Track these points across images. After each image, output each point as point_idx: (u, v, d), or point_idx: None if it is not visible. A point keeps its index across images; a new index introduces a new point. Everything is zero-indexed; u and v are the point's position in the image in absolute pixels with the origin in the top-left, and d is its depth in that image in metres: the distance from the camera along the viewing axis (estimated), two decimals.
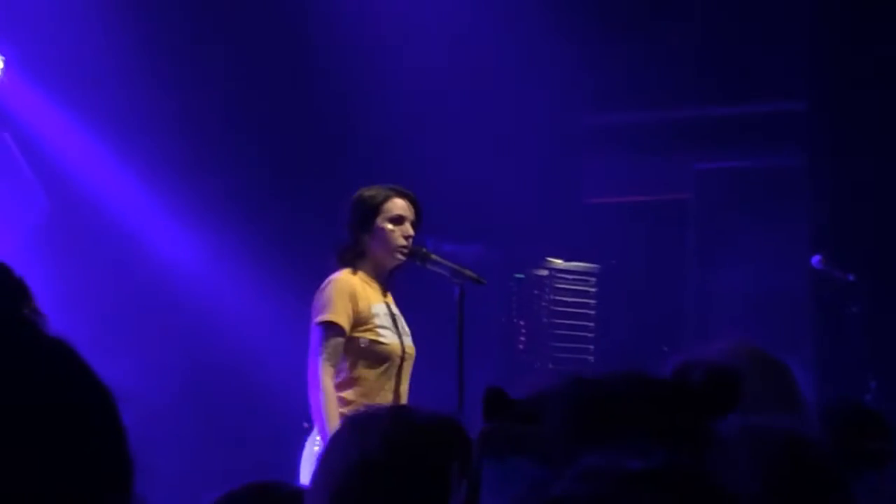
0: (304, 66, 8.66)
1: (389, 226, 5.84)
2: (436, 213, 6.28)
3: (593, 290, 8.67)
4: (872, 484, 2.36)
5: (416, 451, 2.22)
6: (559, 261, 8.65)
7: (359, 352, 5.75)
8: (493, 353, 8.30)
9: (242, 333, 8.26)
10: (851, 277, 7.27)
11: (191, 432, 8.03)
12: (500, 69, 8.66)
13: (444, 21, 8.60)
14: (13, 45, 7.89)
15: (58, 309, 2.51)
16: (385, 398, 5.69)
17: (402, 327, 5.92)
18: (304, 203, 8.28)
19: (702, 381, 1.54)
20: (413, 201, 5.92)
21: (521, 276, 8.60)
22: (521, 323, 8.56)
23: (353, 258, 5.86)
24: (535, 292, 8.59)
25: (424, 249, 5.97)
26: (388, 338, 5.82)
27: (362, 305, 5.76)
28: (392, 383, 5.81)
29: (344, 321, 5.71)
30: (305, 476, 5.42)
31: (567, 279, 8.64)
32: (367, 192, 5.91)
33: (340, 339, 5.71)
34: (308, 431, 5.77)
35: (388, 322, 5.85)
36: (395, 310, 5.93)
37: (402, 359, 5.85)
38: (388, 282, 5.95)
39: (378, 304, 5.83)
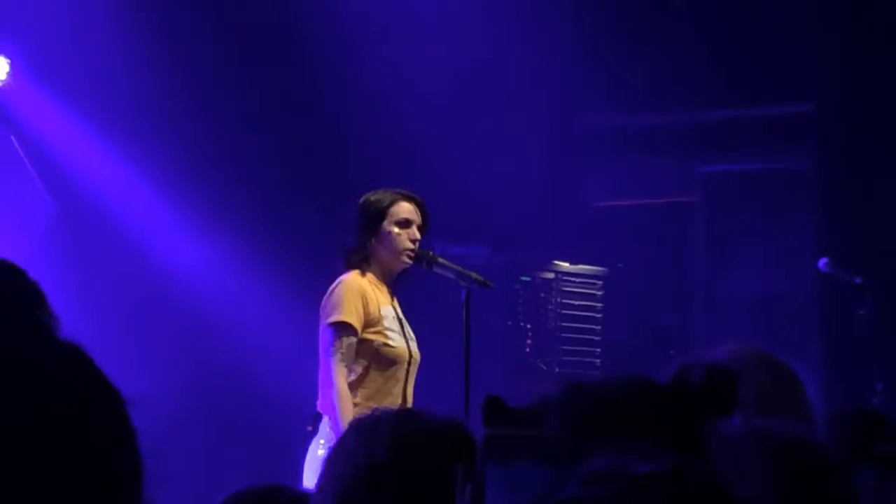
0: (311, 71, 8.66)
1: (396, 229, 5.84)
2: (442, 217, 6.28)
3: (600, 293, 8.66)
4: (880, 487, 2.35)
5: (421, 454, 2.21)
6: (566, 264, 8.65)
7: (369, 354, 5.76)
8: (500, 356, 8.29)
9: (246, 336, 8.27)
10: (858, 280, 7.26)
11: (194, 435, 8.02)
12: (508, 72, 8.66)
13: (453, 24, 8.60)
14: (19, 48, 7.91)
15: (62, 312, 2.51)
16: (391, 401, 5.69)
17: (409, 332, 5.93)
18: (312, 207, 8.28)
19: (700, 383, 1.54)
20: (420, 205, 5.93)
21: (528, 279, 8.59)
22: (528, 326, 8.55)
23: (359, 262, 5.86)
24: (542, 295, 8.58)
25: (431, 252, 5.98)
26: (396, 341, 5.83)
27: (372, 307, 5.77)
28: (399, 387, 5.82)
29: (355, 322, 5.71)
30: (308, 479, 5.42)
31: (574, 282, 8.63)
32: (374, 195, 5.92)
33: (353, 339, 5.71)
34: (312, 435, 5.77)
35: (395, 325, 5.86)
36: (402, 314, 5.93)
37: (409, 362, 5.85)
38: (394, 286, 5.95)
39: (386, 307, 5.84)
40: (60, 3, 7.93)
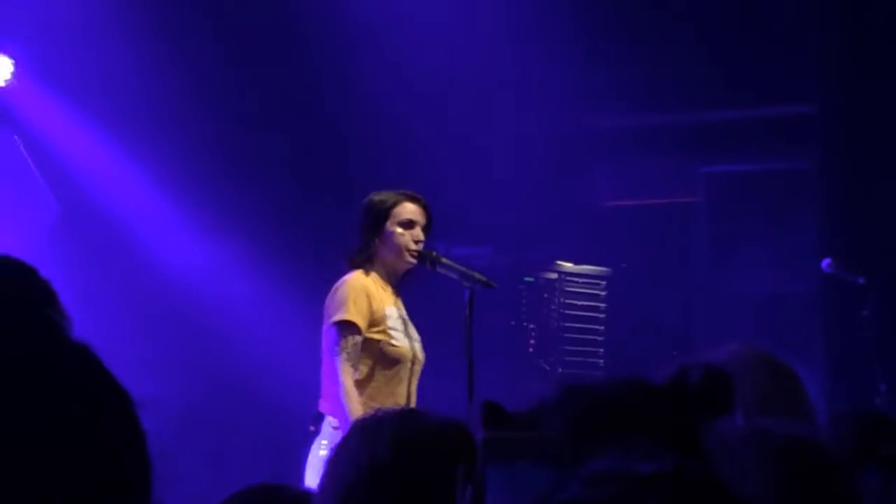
0: (315, 73, 8.66)
1: (399, 230, 5.85)
2: (446, 217, 6.29)
3: (603, 293, 8.66)
4: (884, 488, 2.35)
5: (423, 455, 2.22)
6: (569, 264, 8.64)
7: (373, 354, 5.76)
8: (503, 356, 8.29)
9: (249, 337, 8.27)
10: (861, 280, 7.26)
11: (199, 436, 8.03)
12: (511, 72, 8.66)
13: (457, 24, 8.60)
14: (23, 48, 7.91)
15: (69, 314, 2.52)
16: (394, 401, 5.69)
17: (412, 332, 5.93)
18: (317, 208, 8.28)
19: (697, 383, 1.54)
20: (423, 205, 5.93)
21: (531, 279, 8.59)
22: (531, 326, 8.55)
23: (363, 262, 5.87)
24: (545, 296, 8.58)
25: (434, 253, 5.98)
26: (400, 340, 5.83)
27: (376, 306, 5.77)
28: (402, 387, 5.82)
29: (360, 320, 5.71)
30: (311, 479, 5.42)
31: (577, 282, 8.63)
32: (378, 196, 5.92)
33: (358, 338, 5.71)
34: (314, 435, 5.77)
35: (399, 325, 5.86)
36: (405, 314, 5.94)
37: (413, 363, 5.85)
38: (399, 286, 5.96)
39: (390, 307, 5.84)
40: (64, 3, 7.94)
